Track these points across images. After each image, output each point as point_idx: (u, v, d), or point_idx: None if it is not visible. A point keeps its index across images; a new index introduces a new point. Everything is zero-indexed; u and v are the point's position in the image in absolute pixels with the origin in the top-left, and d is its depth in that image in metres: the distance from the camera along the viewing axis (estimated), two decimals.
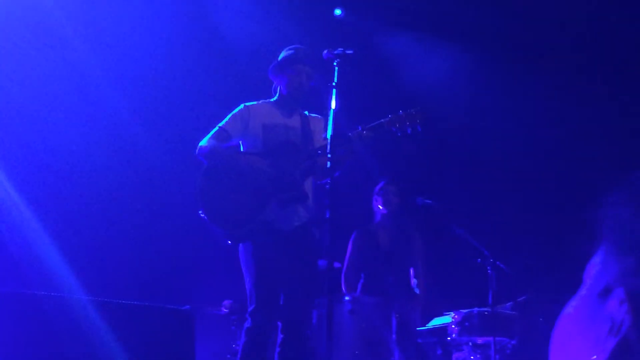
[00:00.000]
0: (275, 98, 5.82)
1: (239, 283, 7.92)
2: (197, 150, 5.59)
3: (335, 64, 5.08)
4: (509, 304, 7.56)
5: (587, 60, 8.62)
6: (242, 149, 5.72)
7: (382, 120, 5.38)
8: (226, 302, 7.71)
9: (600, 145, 8.33)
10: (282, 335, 5.40)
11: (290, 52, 5.76)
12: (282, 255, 5.39)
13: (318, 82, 5.61)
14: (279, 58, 5.78)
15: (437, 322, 7.60)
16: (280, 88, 5.79)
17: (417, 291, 7.53)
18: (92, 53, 8.24)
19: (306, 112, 5.82)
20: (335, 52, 5.12)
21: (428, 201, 7.60)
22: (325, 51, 5.25)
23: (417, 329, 7.49)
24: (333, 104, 4.94)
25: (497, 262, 7.36)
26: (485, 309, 7.29)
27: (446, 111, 8.27)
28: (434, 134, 8.70)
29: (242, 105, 5.74)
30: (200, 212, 5.39)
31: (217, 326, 7.84)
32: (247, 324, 5.40)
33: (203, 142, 5.59)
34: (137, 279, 8.14)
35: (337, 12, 9.28)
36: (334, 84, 5.01)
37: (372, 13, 9.20)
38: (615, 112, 8.49)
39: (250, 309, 5.41)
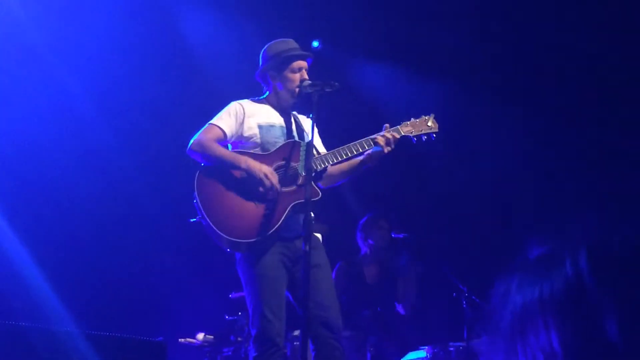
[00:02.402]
0: (266, 96, 5.48)
1: (213, 315, 7.91)
2: (189, 147, 5.18)
3: (316, 97, 5.06)
4: (484, 338, 7.53)
5: (564, 96, 8.67)
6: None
7: (397, 126, 5.22)
8: (199, 334, 7.64)
9: (582, 179, 8.36)
10: (314, 352, 4.98)
11: (286, 46, 5.43)
12: (282, 271, 5.04)
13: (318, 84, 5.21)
14: (270, 53, 5.44)
15: (412, 356, 7.56)
16: (275, 87, 5.41)
17: (403, 312, 7.51)
18: (60, 60, 8.15)
19: (294, 112, 5.49)
20: (316, 87, 5.09)
21: (400, 235, 7.59)
22: (303, 85, 5.24)
23: None
24: (309, 136, 4.91)
25: (473, 297, 7.35)
26: (460, 343, 7.26)
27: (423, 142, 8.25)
28: (410, 166, 8.79)
29: (234, 102, 5.37)
30: (196, 218, 5.05)
31: (190, 358, 7.76)
32: (253, 354, 4.94)
33: (196, 139, 5.18)
34: (110, 309, 8.05)
35: (315, 44, 9.30)
36: (312, 116, 4.98)
37: (349, 46, 9.23)
38: (594, 142, 8.52)
39: (253, 334, 4.96)
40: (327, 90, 5.07)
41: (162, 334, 6.72)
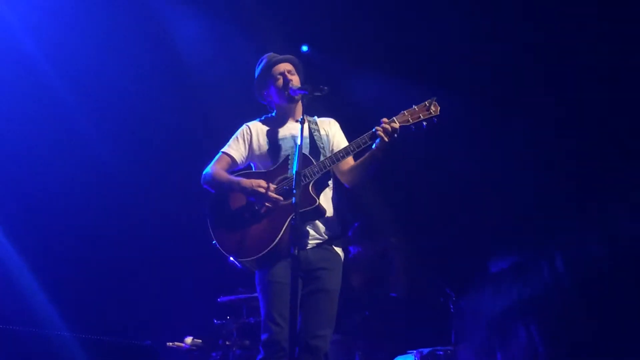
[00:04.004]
0: (274, 112, 5.55)
1: (201, 318, 7.92)
2: (201, 179, 5.33)
3: (305, 101, 5.08)
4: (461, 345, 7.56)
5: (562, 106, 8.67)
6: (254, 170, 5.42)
7: (393, 117, 5.05)
8: (187, 338, 7.64)
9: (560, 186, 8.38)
10: None
11: (261, 63, 5.53)
12: (299, 277, 4.91)
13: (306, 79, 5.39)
14: (256, 75, 5.54)
15: None
16: (274, 101, 5.50)
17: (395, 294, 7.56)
18: (52, 66, 8.20)
19: (315, 117, 5.51)
20: (301, 91, 5.12)
21: (387, 242, 7.64)
22: (292, 87, 5.26)
23: None
24: (299, 140, 4.89)
25: (460, 301, 7.37)
26: (448, 347, 7.28)
27: (412, 148, 8.27)
28: (398, 171, 8.80)
29: (243, 126, 5.48)
30: (213, 242, 5.13)
31: None
32: (259, 356, 5.02)
33: (207, 170, 5.34)
34: (99, 313, 8.05)
35: (304, 48, 9.34)
36: (300, 119, 4.97)
37: (338, 51, 9.25)
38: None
39: (262, 338, 5.02)
40: (316, 94, 5.07)
41: (150, 338, 6.74)
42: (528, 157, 8.59)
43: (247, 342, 7.43)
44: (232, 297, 7.45)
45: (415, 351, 7.38)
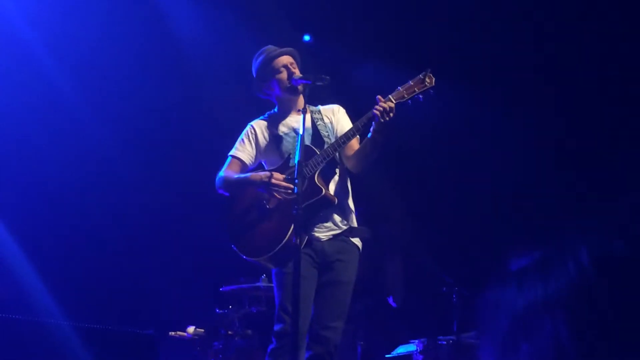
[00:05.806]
0: (276, 107, 5.49)
1: (204, 308, 7.93)
2: (215, 186, 5.34)
3: (307, 91, 5.06)
4: (473, 332, 7.56)
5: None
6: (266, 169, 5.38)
7: (389, 95, 4.97)
8: (190, 327, 7.64)
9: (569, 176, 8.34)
10: (308, 352, 5.02)
11: (260, 57, 5.42)
12: (311, 271, 5.04)
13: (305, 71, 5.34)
14: (254, 70, 5.46)
15: (402, 350, 7.58)
16: (275, 95, 5.42)
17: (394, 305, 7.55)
18: (54, 59, 8.19)
19: (318, 107, 5.46)
20: (303, 80, 5.11)
21: (386, 229, 7.64)
22: (294, 77, 5.23)
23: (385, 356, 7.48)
24: (301, 130, 4.87)
25: (462, 290, 7.36)
26: (450, 337, 7.28)
27: (412, 135, 8.25)
28: (397, 160, 8.78)
29: (247, 126, 5.46)
30: (232, 246, 5.16)
31: (180, 351, 7.77)
32: (271, 346, 5.04)
33: (219, 176, 5.34)
34: (101, 302, 8.06)
35: (306, 37, 9.31)
36: (301, 109, 4.95)
37: (340, 40, 9.22)
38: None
39: (275, 328, 5.03)
40: (318, 84, 5.05)
41: (152, 327, 6.74)
42: (548, 151, 8.54)
43: (249, 331, 7.44)
44: (235, 287, 7.44)
45: (417, 340, 7.39)
